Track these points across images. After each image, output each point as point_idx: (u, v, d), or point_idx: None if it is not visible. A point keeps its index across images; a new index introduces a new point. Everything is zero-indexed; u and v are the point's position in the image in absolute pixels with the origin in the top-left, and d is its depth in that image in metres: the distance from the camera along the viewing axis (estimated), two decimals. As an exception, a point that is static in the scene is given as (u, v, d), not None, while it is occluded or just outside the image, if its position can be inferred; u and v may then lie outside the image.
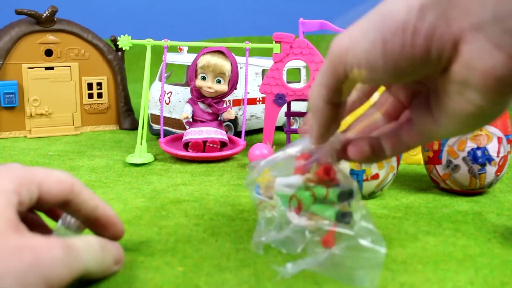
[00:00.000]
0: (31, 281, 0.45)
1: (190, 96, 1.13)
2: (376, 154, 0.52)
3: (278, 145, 1.20)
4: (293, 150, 0.61)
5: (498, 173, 0.84)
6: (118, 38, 1.11)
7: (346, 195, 0.58)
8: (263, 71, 1.32)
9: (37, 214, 0.60)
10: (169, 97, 1.21)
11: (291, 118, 1.27)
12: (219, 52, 1.09)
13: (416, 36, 0.38)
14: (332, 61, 0.44)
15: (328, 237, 0.57)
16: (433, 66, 0.40)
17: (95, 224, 0.58)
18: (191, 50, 1.31)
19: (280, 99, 1.08)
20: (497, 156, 0.82)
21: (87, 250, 0.52)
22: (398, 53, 0.39)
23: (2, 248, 0.45)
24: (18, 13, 1.27)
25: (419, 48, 0.38)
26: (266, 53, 1.29)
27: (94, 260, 0.52)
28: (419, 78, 0.43)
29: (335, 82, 0.45)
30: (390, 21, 0.39)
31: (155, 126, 1.25)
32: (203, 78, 1.09)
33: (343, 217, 0.57)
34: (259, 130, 1.35)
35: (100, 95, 1.35)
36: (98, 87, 1.35)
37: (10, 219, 0.48)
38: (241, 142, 1.11)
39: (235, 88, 1.13)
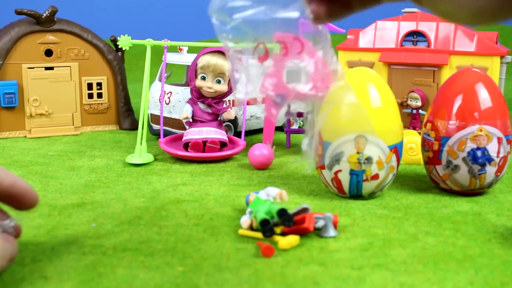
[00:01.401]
0: None
1: (190, 96, 1.13)
2: (336, 15, 0.50)
3: (278, 145, 1.20)
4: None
5: (498, 174, 0.84)
6: (118, 38, 1.11)
7: (287, 218, 0.66)
8: (263, 71, 1.32)
9: None
10: (169, 97, 1.21)
11: (291, 118, 1.27)
12: (219, 52, 1.09)
13: None
14: None
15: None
16: None
17: (11, 199, 0.60)
18: (191, 50, 1.31)
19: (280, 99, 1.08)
20: (497, 157, 0.82)
21: None
22: None
23: None
24: (18, 13, 1.26)
25: None
26: (266, 53, 1.28)
27: None
28: None
29: None
30: None
31: (155, 126, 1.25)
32: (203, 78, 1.09)
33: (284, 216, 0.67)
34: (259, 130, 1.35)
35: (100, 95, 1.35)
36: (98, 87, 1.35)
37: None
38: (241, 142, 1.11)
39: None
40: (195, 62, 1.09)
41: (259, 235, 0.68)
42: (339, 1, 0.48)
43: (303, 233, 0.68)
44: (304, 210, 0.69)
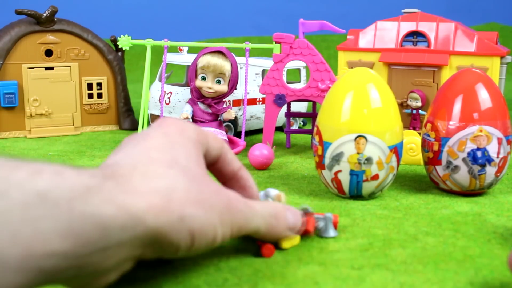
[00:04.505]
0: (225, 220, 0.53)
1: (190, 96, 1.13)
2: None
3: (278, 146, 1.20)
4: None
5: (498, 174, 0.84)
6: (118, 38, 1.11)
7: None
8: (263, 71, 1.32)
9: None
10: (169, 98, 1.21)
11: (291, 118, 1.27)
12: (219, 52, 1.09)
13: None
14: None
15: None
16: None
17: (236, 184, 0.63)
18: (191, 50, 1.31)
19: (280, 100, 1.08)
20: (497, 157, 0.83)
21: (261, 214, 0.58)
22: None
23: (208, 188, 0.52)
24: (18, 13, 1.26)
25: None
26: (266, 53, 1.29)
27: (265, 224, 0.58)
28: None
29: None
30: None
31: (155, 126, 1.25)
32: (203, 78, 1.09)
33: None
34: (259, 131, 1.35)
35: (100, 95, 1.35)
36: (98, 87, 1.35)
37: (204, 166, 0.56)
38: (241, 142, 1.11)
39: (235, 89, 1.13)
40: (195, 62, 1.09)
41: None
42: None
43: (304, 234, 0.68)
44: (304, 210, 0.69)
